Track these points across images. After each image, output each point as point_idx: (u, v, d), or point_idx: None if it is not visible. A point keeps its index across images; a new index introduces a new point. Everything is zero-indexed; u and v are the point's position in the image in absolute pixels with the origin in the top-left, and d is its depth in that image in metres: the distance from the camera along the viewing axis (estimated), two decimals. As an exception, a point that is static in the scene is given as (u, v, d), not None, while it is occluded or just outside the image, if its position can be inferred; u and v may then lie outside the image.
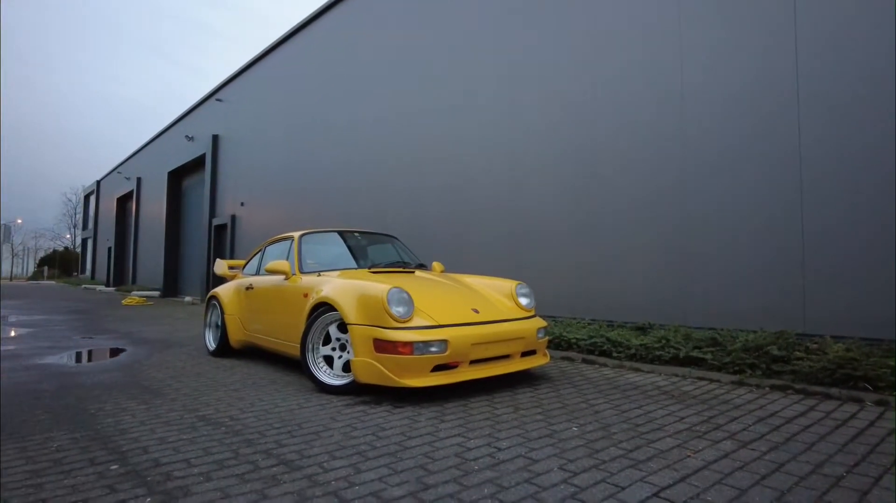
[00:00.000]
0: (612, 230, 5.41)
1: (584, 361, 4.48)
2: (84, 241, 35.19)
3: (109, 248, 25.31)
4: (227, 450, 2.29)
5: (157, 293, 17.15)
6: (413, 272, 4.32)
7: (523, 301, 3.88)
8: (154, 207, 19.56)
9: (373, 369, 3.10)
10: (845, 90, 3.99)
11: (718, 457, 2.19)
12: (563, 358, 4.59)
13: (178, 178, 17.96)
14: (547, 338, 3.83)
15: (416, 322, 3.18)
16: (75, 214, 58.86)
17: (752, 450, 2.28)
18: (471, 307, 3.54)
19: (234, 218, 13.63)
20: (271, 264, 4.14)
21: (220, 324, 5.06)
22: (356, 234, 4.87)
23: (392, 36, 8.58)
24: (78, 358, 5.03)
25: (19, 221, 56.77)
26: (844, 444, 2.35)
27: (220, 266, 5.70)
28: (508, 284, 3.98)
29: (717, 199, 4.66)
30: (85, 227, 35.05)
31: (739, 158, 4.54)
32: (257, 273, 4.94)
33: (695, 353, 3.95)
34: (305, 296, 3.79)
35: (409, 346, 3.03)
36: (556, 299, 5.70)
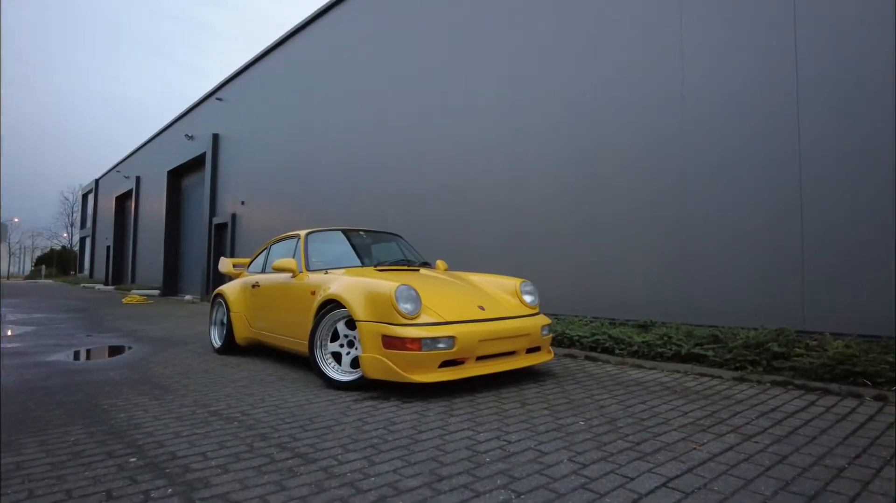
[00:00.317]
0: (612, 229, 5.47)
1: (587, 358, 4.53)
2: (82, 240, 35.15)
3: (108, 247, 25.29)
4: (241, 444, 2.34)
5: (156, 292, 17.16)
6: (418, 270, 4.37)
7: (527, 298, 3.93)
8: (153, 206, 19.57)
9: (381, 365, 3.15)
10: (845, 89, 4.05)
11: (723, 450, 2.24)
12: (566, 355, 4.64)
13: (177, 176, 17.96)
14: (551, 335, 3.88)
15: (423, 319, 3.23)
16: (72, 213, 58.78)
17: (756, 442, 2.34)
18: (476, 304, 3.59)
19: (234, 216, 13.66)
20: (278, 262, 4.19)
21: (225, 321, 5.10)
22: (361, 233, 4.92)
23: (392, 36, 8.63)
24: (84, 355, 5.06)
25: (16, 220, 56.62)
26: (845, 437, 2.41)
27: (225, 264, 5.74)
28: (513, 282, 4.03)
29: (716, 198, 4.72)
30: (83, 225, 35.01)
31: (739, 158, 4.60)
32: (263, 271, 4.98)
33: (696, 350, 4.01)
34: (313, 293, 3.83)
35: (418, 343, 3.08)
36: (557, 297, 5.75)
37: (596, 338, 4.64)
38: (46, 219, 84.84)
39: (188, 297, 15.03)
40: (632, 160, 5.37)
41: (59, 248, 56.78)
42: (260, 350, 5.16)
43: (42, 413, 2.90)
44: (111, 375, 3.98)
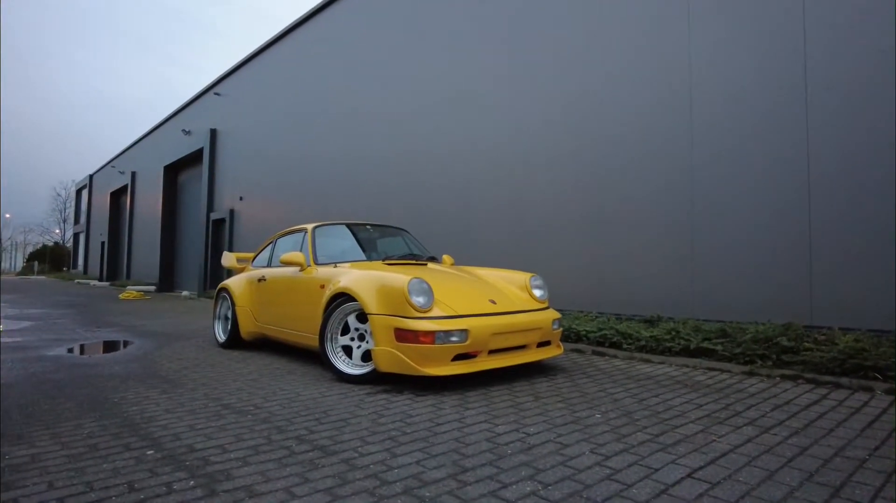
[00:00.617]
0: (618, 224, 5.47)
1: (595, 353, 4.53)
2: (76, 236, 34.89)
3: (103, 243, 25.13)
4: (259, 437, 2.32)
5: (152, 288, 17.06)
6: (425, 264, 4.35)
7: (537, 293, 3.92)
8: (149, 202, 19.44)
9: (394, 358, 3.13)
10: (853, 85, 4.05)
11: (743, 442, 2.24)
12: (573, 350, 4.64)
13: (174, 172, 17.85)
14: (561, 329, 3.88)
15: (436, 312, 3.22)
16: (65, 209, 58.30)
17: (774, 435, 2.34)
18: (488, 298, 3.58)
19: (232, 212, 13.58)
20: (286, 255, 4.16)
21: (229, 316, 5.07)
22: (368, 227, 4.89)
23: (394, 31, 8.58)
24: (87, 350, 5.02)
25: (8, 216, 56.16)
26: (862, 429, 2.41)
27: (228, 258, 5.70)
28: (522, 276, 4.02)
29: (724, 194, 4.73)
30: (77, 221, 34.75)
31: (747, 154, 4.60)
32: (269, 265, 4.95)
33: (705, 345, 4.01)
34: (322, 287, 3.81)
35: (431, 336, 3.06)
36: (563, 293, 5.75)
37: (603, 332, 4.64)
38: (38, 214, 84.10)
39: (185, 293, 14.95)
40: (639, 156, 5.37)
41: (51, 244, 56.31)
42: (264, 344, 5.13)
43: (52, 406, 2.87)
44: (117, 369, 3.94)
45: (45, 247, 55.17)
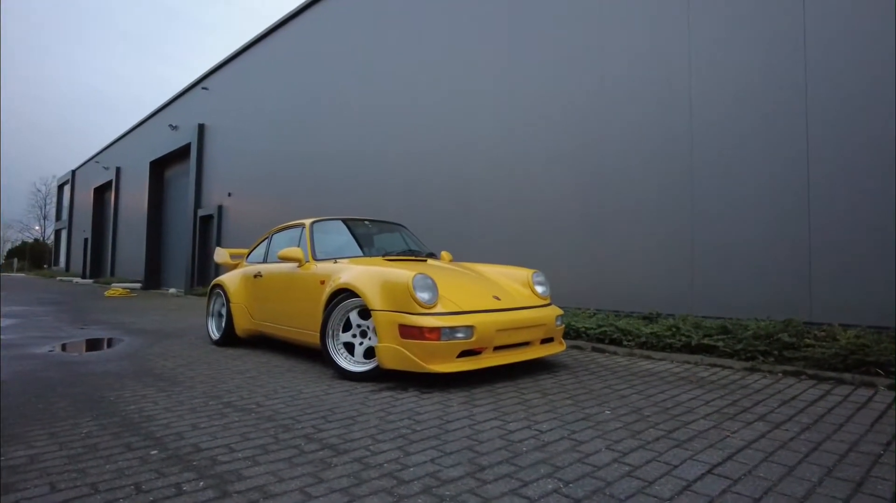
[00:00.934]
0: (617, 221, 5.46)
1: (594, 349, 4.52)
2: (57, 233, 34.23)
3: (86, 240, 24.68)
4: (265, 436, 2.25)
5: (138, 285, 16.79)
6: (425, 261, 4.30)
7: (539, 289, 3.90)
8: (135, 198, 19.11)
9: (399, 355, 3.08)
10: (854, 84, 4.08)
11: (756, 437, 2.23)
12: (573, 346, 4.62)
13: (160, 167, 17.57)
14: (563, 325, 3.86)
15: (440, 308, 3.17)
16: (45, 205, 57.15)
17: (786, 430, 2.34)
18: (491, 294, 3.54)
19: (220, 208, 13.40)
20: (284, 251, 4.08)
21: (224, 312, 4.97)
22: (366, 222, 4.83)
23: (390, 25, 8.50)
24: (76, 347, 4.89)
25: (-14, 212, 54.84)
26: (872, 424, 2.42)
27: (221, 255, 5.60)
28: (524, 273, 3.99)
29: (723, 192, 4.74)
30: (58, 217, 34.08)
31: (747, 152, 4.62)
32: (265, 261, 4.86)
33: (706, 341, 4.02)
34: (322, 283, 3.74)
35: (437, 332, 3.02)
36: (561, 289, 5.73)
37: (603, 329, 4.63)
38: (17, 211, 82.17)
39: (172, 291, 14.73)
40: (639, 152, 5.37)
41: (31, 240, 55.18)
42: (259, 342, 5.04)
43: (46, 405, 2.77)
44: (110, 367, 3.84)
45: (24, 243, 54.04)
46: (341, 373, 3.40)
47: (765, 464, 1.93)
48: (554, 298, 5.55)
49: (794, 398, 2.90)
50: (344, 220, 4.66)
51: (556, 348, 3.70)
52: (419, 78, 7.89)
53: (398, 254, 4.29)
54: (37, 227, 58.68)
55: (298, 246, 4.33)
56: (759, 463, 1.94)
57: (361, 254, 4.28)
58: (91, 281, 21.29)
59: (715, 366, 3.79)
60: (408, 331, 3.07)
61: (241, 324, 4.76)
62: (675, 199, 5.03)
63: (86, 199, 25.57)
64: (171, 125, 15.94)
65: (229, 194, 13.08)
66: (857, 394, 2.97)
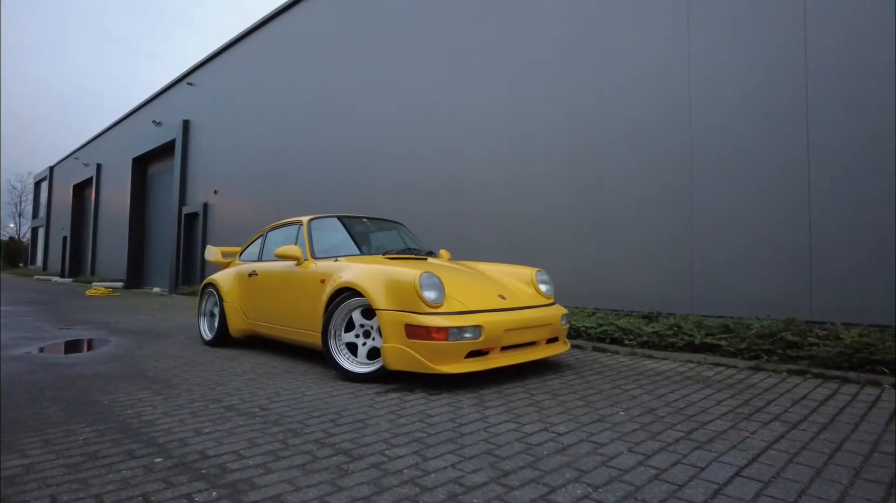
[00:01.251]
0: (616, 220, 5.44)
1: (595, 349, 4.49)
2: (34, 230, 33.38)
3: (64, 238, 24.10)
4: (274, 441, 2.16)
5: (120, 284, 16.43)
6: (425, 259, 4.22)
7: (543, 288, 3.85)
8: (116, 195, 18.69)
9: (405, 356, 3.00)
10: (854, 82, 4.10)
11: (776, 438, 2.20)
12: (574, 346, 4.58)
13: (143, 164, 17.20)
14: (568, 325, 3.81)
15: (447, 308, 3.10)
16: (21, 202, 55.72)
17: (803, 430, 2.31)
18: (497, 293, 3.48)
19: (206, 206, 13.16)
20: (282, 249, 3.97)
21: (217, 312, 4.84)
22: (364, 220, 4.73)
23: (382, 20, 8.39)
24: (62, 349, 4.72)
25: (-42, 209, 53.26)
26: (887, 423, 2.41)
27: (213, 253, 5.46)
28: (528, 271, 3.93)
29: (723, 191, 4.74)
30: (35, 215, 33.24)
31: (747, 151, 4.62)
32: (259, 259, 4.74)
33: (709, 340, 4.00)
34: (323, 281, 3.65)
35: (444, 332, 2.94)
36: (558, 288, 5.69)
37: (604, 328, 4.60)
38: (-11, 208, 79.98)
39: (156, 290, 14.43)
40: (638, 151, 5.35)
41: (6, 238, 53.77)
42: (253, 342, 4.92)
43: (36, 410, 2.64)
44: (100, 369, 3.70)
45: (-1, 241, 52.65)
46: (344, 375, 3.31)
47: (791, 465, 1.90)
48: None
49: (804, 397, 2.89)
50: (342, 218, 4.56)
51: (562, 348, 3.66)
52: (413, 75, 7.80)
53: (398, 253, 4.21)
54: (12, 225, 57.21)
55: (296, 244, 4.23)
56: (786, 464, 1.91)
57: (360, 252, 4.19)
58: (70, 280, 20.79)
59: (719, 365, 3.77)
60: (414, 332, 2.99)
61: (236, 324, 4.64)
62: (674, 196, 5.02)
63: (64, 196, 24.96)
64: (154, 121, 15.61)
65: (215, 192, 12.84)
66: (864, 393, 2.97)
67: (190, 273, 13.84)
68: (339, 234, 4.36)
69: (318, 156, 9.53)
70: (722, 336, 3.99)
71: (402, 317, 3.04)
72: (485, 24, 6.84)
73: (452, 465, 1.90)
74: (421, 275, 3.08)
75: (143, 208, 17.24)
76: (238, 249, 5.46)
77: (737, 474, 1.82)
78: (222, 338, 4.72)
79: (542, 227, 6.06)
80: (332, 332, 3.40)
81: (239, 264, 5.03)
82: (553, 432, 2.27)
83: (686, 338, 4.11)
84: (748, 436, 2.22)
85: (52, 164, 28.18)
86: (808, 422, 2.42)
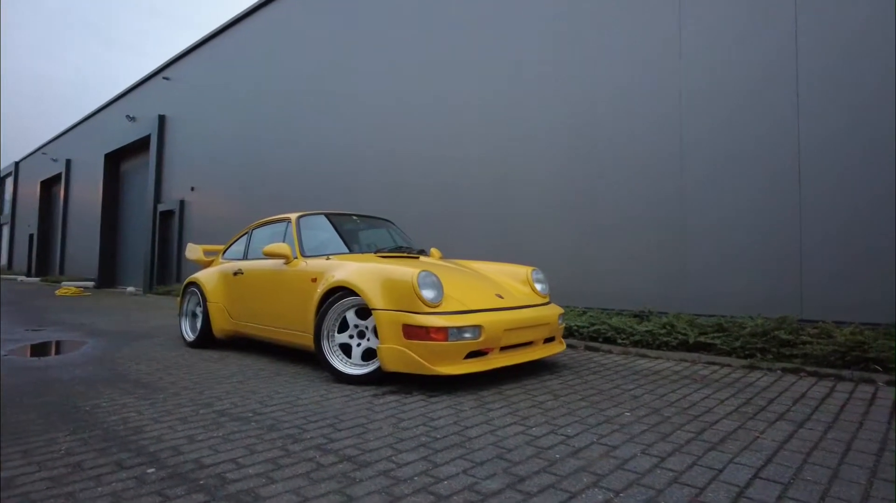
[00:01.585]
0: (607, 219, 5.43)
1: (588, 348, 4.46)
2: (-1, 228, 32.15)
3: (31, 236, 23.28)
4: (274, 448, 2.06)
5: (91, 284, 15.91)
6: (418, 258, 4.13)
7: (539, 286, 3.80)
8: (87, 192, 18.09)
9: (403, 357, 2.91)
10: (844, 83, 4.14)
11: (786, 438, 2.18)
12: (566, 345, 4.55)
13: (116, 160, 16.70)
14: (564, 324, 3.77)
15: (445, 307, 3.02)
16: (-16, 199, 53.65)
17: (811, 429, 2.30)
18: (494, 293, 3.41)
19: (182, 203, 12.82)
20: (270, 247, 3.84)
21: (199, 312, 4.68)
22: (354, 218, 4.62)
23: (369, 14, 8.26)
24: (36, 351, 4.49)
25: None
26: (889, 421, 2.41)
27: (194, 251, 5.28)
28: (523, 270, 3.88)
29: (714, 190, 4.76)
30: None
31: (738, 150, 4.64)
32: (245, 257, 4.59)
33: (702, 339, 4.01)
34: (314, 280, 3.53)
35: (444, 332, 2.87)
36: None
37: (596, 328, 4.58)
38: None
39: (130, 289, 14.01)
40: (629, 151, 5.34)
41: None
42: (238, 343, 4.76)
43: (12, 417, 2.48)
44: (78, 373, 3.52)
45: (-39, 240, 50.58)
46: (337, 377, 3.21)
47: (807, 466, 1.87)
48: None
49: (803, 395, 2.89)
50: (331, 215, 4.44)
51: (558, 347, 3.61)
52: (401, 70, 7.69)
53: (391, 251, 4.11)
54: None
55: (283, 241, 4.10)
56: (801, 465, 1.88)
57: (351, 250, 4.08)
58: (38, 279, 20.07)
59: (713, 363, 3.77)
60: (412, 332, 2.91)
61: (220, 325, 4.49)
62: (665, 195, 5.03)
63: (31, 192, 24.08)
64: (128, 116, 15.15)
65: (192, 188, 12.52)
66: (860, 391, 2.99)
67: (166, 272, 13.48)
68: (328, 232, 4.24)
69: (301, 153, 9.35)
70: (716, 335, 4.00)
71: (400, 316, 2.95)
72: (479, 23, 6.77)
73: (464, 471, 1.82)
74: (419, 273, 3.00)
75: (115, 205, 16.73)
76: (220, 247, 5.30)
77: (755, 476, 1.78)
78: (206, 339, 4.56)
79: (529, 225, 6.02)
80: (325, 333, 3.29)
81: (222, 263, 4.87)
82: (562, 434, 2.21)
83: (680, 337, 4.11)
84: (758, 436, 2.20)
85: (17, 159, 27.17)
86: (812, 422, 2.41)
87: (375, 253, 4.00)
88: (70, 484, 1.72)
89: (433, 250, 4.71)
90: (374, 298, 3.05)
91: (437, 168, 7.02)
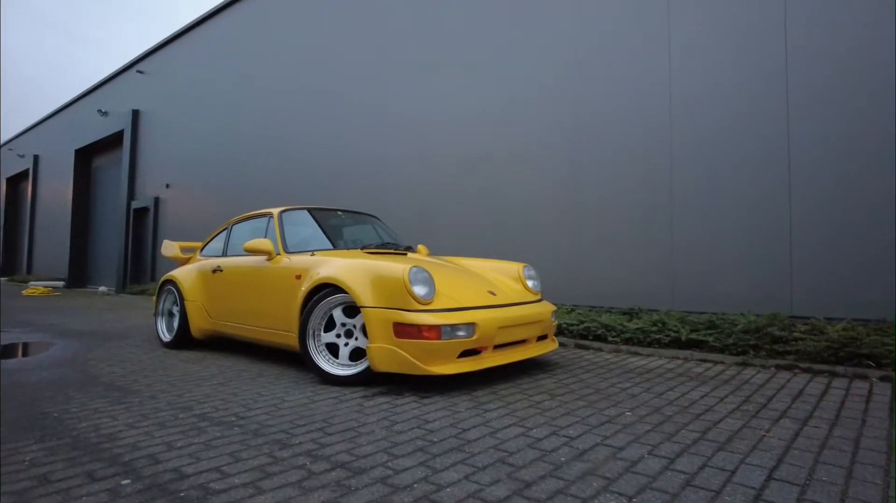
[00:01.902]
0: (595, 216, 5.38)
1: (578, 346, 4.40)
2: (-38, 227, 30.92)
3: (-3, 234, 22.42)
4: (260, 454, 1.92)
5: (61, 283, 15.38)
6: (405, 254, 4.01)
7: (530, 283, 3.71)
8: (57, 189, 17.48)
9: (394, 356, 2.79)
10: (833, 77, 4.15)
11: (792, 436, 2.12)
12: (557, 343, 4.48)
13: (87, 156, 16.17)
14: (556, 322, 3.69)
15: (437, 304, 2.91)
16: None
17: (816, 427, 2.25)
18: (486, 290, 3.31)
19: (157, 200, 12.45)
20: (251, 243, 3.68)
21: (177, 311, 4.48)
22: (339, 213, 4.47)
23: (351, 7, 8.08)
24: (0, 354, 4.25)
25: None
26: (890, 417, 2.38)
27: (170, 248, 5.08)
28: (514, 266, 3.79)
29: (702, 186, 4.73)
30: (-36, 210, 30.80)
31: (725, 144, 4.62)
32: (224, 254, 4.41)
33: (694, 336, 3.97)
34: (298, 277, 3.38)
35: (436, 330, 2.75)
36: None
37: (586, 325, 4.51)
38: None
39: (103, 289, 13.57)
40: (617, 148, 5.30)
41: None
42: (217, 343, 4.58)
43: (-28, 425, 2.29)
44: (46, 376, 3.31)
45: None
46: (324, 378, 3.07)
47: (820, 466, 1.81)
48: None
49: (801, 393, 2.85)
50: (315, 210, 4.29)
51: (551, 346, 3.53)
52: (383, 63, 7.54)
53: (377, 247, 3.98)
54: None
55: (265, 237, 3.94)
56: (814, 465, 1.82)
57: (335, 246, 3.94)
58: (3, 279, 19.34)
59: (706, 361, 3.73)
60: (404, 330, 2.79)
61: (198, 324, 4.30)
62: (653, 191, 4.99)
63: (-3, 189, 23.21)
64: (100, 110, 14.66)
65: (167, 185, 12.16)
66: (856, 387, 2.96)
67: (140, 271, 13.08)
68: (312, 228, 4.09)
69: (281, 148, 9.13)
70: (707, 332, 3.96)
71: (390, 314, 2.83)
72: (469, 24, 6.66)
73: (466, 477, 1.71)
74: (410, 269, 2.88)
75: (87, 203, 16.20)
76: (198, 244, 5.09)
77: (769, 477, 1.71)
78: (183, 339, 4.37)
79: (515, 222, 5.94)
80: (311, 332, 3.15)
81: (200, 260, 4.68)
82: (564, 436, 2.12)
83: (671, 334, 4.06)
84: (764, 435, 2.13)
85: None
86: (816, 419, 2.37)
87: (361, 249, 3.87)
88: (35, 499, 1.57)
89: (420, 247, 4.58)
90: (363, 295, 2.92)
91: (423, 169, 6.90)
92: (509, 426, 2.25)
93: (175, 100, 12.18)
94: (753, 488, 1.63)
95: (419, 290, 2.86)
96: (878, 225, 3.89)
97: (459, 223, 6.45)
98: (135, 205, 13.20)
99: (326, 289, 3.13)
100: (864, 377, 3.17)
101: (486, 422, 2.30)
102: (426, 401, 2.66)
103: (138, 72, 13.29)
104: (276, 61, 9.39)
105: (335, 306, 3.13)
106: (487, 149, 6.25)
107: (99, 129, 14.78)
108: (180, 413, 2.46)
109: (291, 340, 3.35)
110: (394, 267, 2.93)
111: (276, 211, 4.04)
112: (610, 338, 4.34)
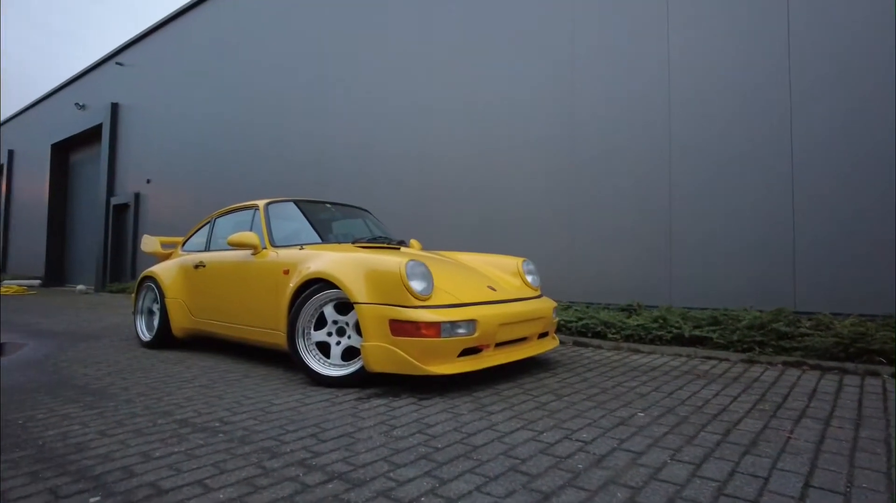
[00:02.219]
0: (593, 211, 5.25)
1: (577, 344, 4.26)
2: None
3: (-30, 232, 21.71)
4: (248, 465, 1.74)
5: (37, 282, 14.91)
6: (398, 249, 3.83)
7: (530, 278, 3.56)
8: (32, 184, 16.95)
9: (390, 355, 2.62)
10: (836, 65, 4.06)
11: (819, 438, 2.00)
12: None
13: (64, 151, 15.69)
14: (558, 319, 3.55)
15: (436, 300, 2.74)
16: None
17: (840, 428, 2.13)
18: (485, 285, 3.16)
19: (138, 196, 12.10)
20: (236, 236, 3.47)
21: (157, 309, 4.25)
22: (328, 205, 4.28)
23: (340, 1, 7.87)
24: (-36, 355, 3.98)
25: None
26: (915, 417, 2.27)
27: (150, 243, 4.84)
28: (513, 261, 3.63)
29: (702, 181, 4.63)
30: (-65, 207, 29.87)
31: (726, 139, 4.52)
32: (207, 249, 4.19)
33: (698, 333, 3.85)
34: (286, 272, 3.19)
35: (435, 328, 2.59)
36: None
37: (585, 322, 4.38)
38: None
39: (80, 288, 13.16)
40: (615, 142, 5.17)
41: None
42: (200, 343, 4.36)
43: (-76, 435, 2.07)
44: (13, 379, 3.08)
45: None
46: (314, 379, 2.89)
47: (857, 471, 1.68)
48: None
49: (815, 390, 2.74)
50: (302, 203, 4.09)
51: (553, 343, 3.38)
52: (374, 55, 7.34)
53: (369, 241, 3.80)
54: None
55: (251, 230, 3.73)
56: (851, 471, 1.69)
57: (324, 240, 3.74)
58: (-22, 278, 18.73)
59: (711, 358, 3.62)
60: (401, 328, 2.61)
61: (179, 323, 4.08)
62: (652, 186, 4.87)
63: (-30, 185, 22.48)
64: (77, 104, 14.23)
65: (148, 181, 11.82)
66: (870, 385, 2.86)
67: (119, 269, 12.71)
68: (300, 221, 3.89)
69: (266, 143, 8.88)
70: (711, 328, 3.85)
71: (386, 311, 2.66)
72: (461, 18, 6.49)
73: (478, 488, 1.55)
74: (407, 262, 2.71)
75: (64, 199, 15.73)
76: (179, 239, 4.86)
77: (806, 484, 1.58)
78: (164, 338, 4.15)
79: (510, 217, 5.79)
80: (300, 331, 2.97)
81: (182, 255, 4.45)
82: (578, 440, 1.97)
83: (674, 331, 3.94)
84: (790, 437, 2.00)
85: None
86: (838, 419, 2.25)
87: (353, 243, 3.68)
88: (-12, 520, 1.37)
89: (413, 241, 4.42)
90: (357, 291, 2.74)
91: (415, 168, 6.72)
92: (517, 430, 2.09)
93: (156, 93, 11.83)
94: (792, 497, 1.49)
95: (417, 285, 2.69)
96: (882, 218, 3.80)
97: (454, 221, 6.28)
98: (114, 201, 12.82)
99: (317, 284, 2.95)
100: (876, 374, 3.08)
101: (492, 426, 2.14)
102: (425, 403, 2.50)
103: (117, 63, 12.90)
104: (260, 53, 9.13)
105: (326, 303, 2.95)
106: (477, 147, 6.09)
107: (76, 123, 14.34)
108: (159, 419, 2.26)
109: (279, 339, 3.17)
110: (389, 260, 2.75)
111: (261, 203, 3.83)
112: (610, 336, 4.21)
